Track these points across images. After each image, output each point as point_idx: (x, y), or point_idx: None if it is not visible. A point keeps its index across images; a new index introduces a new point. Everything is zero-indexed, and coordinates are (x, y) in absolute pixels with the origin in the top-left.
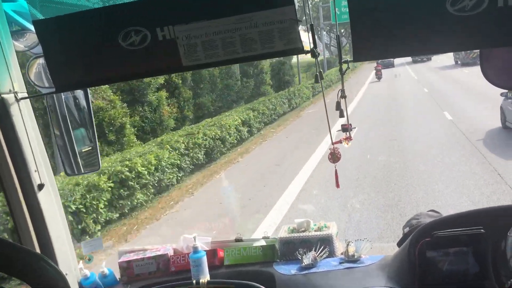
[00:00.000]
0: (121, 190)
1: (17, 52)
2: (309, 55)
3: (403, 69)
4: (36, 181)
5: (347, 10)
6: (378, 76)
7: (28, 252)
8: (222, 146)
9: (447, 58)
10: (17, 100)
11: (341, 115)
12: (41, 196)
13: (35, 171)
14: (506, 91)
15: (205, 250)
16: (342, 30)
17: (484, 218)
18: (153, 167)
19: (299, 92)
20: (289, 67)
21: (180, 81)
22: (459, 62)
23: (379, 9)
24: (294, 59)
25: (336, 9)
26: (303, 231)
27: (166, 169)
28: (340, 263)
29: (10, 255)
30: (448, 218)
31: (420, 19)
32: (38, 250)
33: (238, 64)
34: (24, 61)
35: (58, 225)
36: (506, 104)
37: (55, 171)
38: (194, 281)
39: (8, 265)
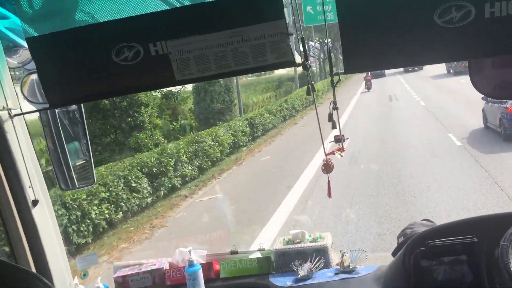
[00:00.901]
0: None
1: (10, 68)
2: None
3: (396, 81)
4: (30, 197)
5: (322, 9)
6: (368, 86)
7: (22, 271)
8: None
9: (438, 67)
10: (11, 116)
11: (334, 127)
12: (35, 212)
13: (29, 187)
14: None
15: (200, 263)
16: (329, 40)
17: (477, 226)
18: None
19: (204, 145)
20: (224, 89)
21: None
22: (451, 71)
23: (368, 22)
24: (241, 78)
25: (309, 8)
26: (298, 242)
27: None
28: (336, 274)
29: (4, 275)
30: (442, 227)
31: (409, 31)
32: (32, 266)
33: None
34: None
35: (52, 241)
36: (487, 107)
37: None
38: None
39: (2, 285)
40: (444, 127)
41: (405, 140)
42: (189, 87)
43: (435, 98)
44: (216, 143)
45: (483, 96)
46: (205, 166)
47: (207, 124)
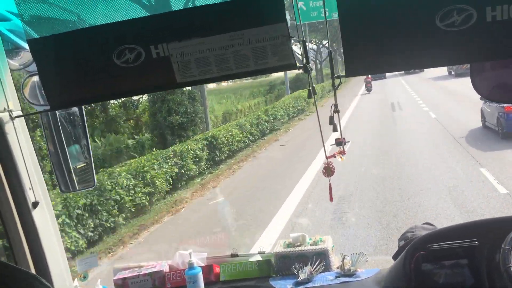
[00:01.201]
0: None
1: (11, 70)
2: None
3: (398, 83)
4: (30, 199)
5: (323, 7)
6: (368, 88)
7: (22, 272)
8: None
9: (439, 69)
10: (12, 118)
11: (335, 130)
12: (36, 214)
13: (30, 189)
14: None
15: (200, 266)
16: (324, 41)
17: (478, 230)
18: None
19: (113, 192)
20: (187, 97)
21: None
22: (452, 73)
23: (370, 25)
24: (210, 86)
25: (301, 4)
26: (299, 246)
27: None
28: (336, 277)
29: (4, 275)
30: (443, 231)
31: (411, 35)
32: (32, 269)
33: None
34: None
35: (52, 243)
36: (485, 107)
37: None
38: None
39: (2, 286)
40: (471, 155)
41: (419, 182)
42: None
43: (445, 106)
44: (141, 182)
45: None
46: (113, 224)
47: (163, 142)
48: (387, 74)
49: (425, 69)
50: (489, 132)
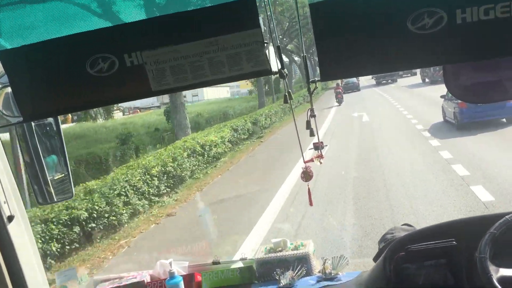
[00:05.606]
0: None
1: None
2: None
3: (378, 98)
4: (5, 213)
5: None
6: (339, 99)
7: None
8: None
9: (413, 77)
10: None
11: (312, 134)
12: (11, 228)
13: (4, 202)
14: (445, 93)
15: (182, 275)
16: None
17: (456, 230)
18: None
19: None
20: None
21: None
22: (427, 80)
23: (342, 30)
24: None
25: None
26: (280, 251)
27: None
28: (318, 281)
29: None
30: (421, 232)
31: (383, 38)
32: (9, 283)
33: None
34: None
35: (29, 257)
36: (445, 104)
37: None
38: None
39: None
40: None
41: None
42: None
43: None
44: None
45: (442, 94)
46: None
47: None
48: (361, 85)
49: (399, 79)
50: (448, 125)
